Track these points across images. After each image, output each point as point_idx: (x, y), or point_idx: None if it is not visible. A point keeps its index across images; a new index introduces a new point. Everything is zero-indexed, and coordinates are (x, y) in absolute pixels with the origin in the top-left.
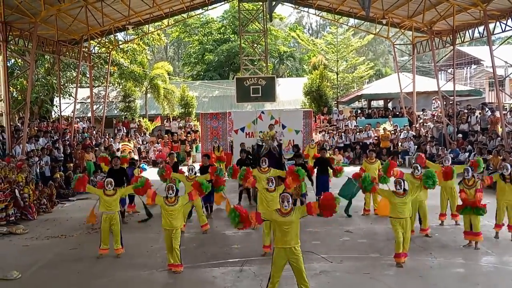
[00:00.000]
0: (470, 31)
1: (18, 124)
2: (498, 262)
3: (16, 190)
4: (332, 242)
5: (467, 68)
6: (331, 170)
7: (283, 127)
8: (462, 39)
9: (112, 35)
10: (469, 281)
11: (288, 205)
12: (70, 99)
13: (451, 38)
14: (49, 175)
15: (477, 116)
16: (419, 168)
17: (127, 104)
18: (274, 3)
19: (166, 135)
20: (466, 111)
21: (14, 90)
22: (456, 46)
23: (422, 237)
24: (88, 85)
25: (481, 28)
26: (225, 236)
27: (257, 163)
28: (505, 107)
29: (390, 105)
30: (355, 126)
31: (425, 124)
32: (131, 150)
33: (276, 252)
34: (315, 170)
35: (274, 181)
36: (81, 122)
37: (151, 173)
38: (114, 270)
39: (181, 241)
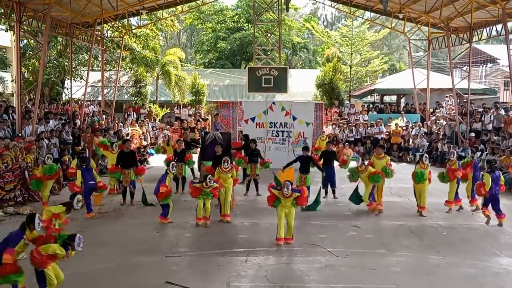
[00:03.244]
0: (487, 29)
1: (29, 105)
2: (508, 264)
3: (26, 171)
4: (338, 237)
5: (482, 67)
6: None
7: (294, 118)
8: (479, 36)
9: (126, 20)
10: (476, 282)
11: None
12: (81, 82)
13: (468, 35)
14: (57, 157)
15: (490, 116)
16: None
17: (138, 89)
18: None
19: (175, 122)
20: (480, 109)
21: (26, 71)
22: (473, 44)
23: (431, 235)
24: (99, 68)
25: (499, 26)
26: (231, 226)
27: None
28: None
29: (403, 100)
30: (365, 120)
31: (437, 121)
32: (140, 136)
33: (279, 208)
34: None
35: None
36: (91, 106)
37: (158, 159)
38: (119, 255)
39: (188, 230)
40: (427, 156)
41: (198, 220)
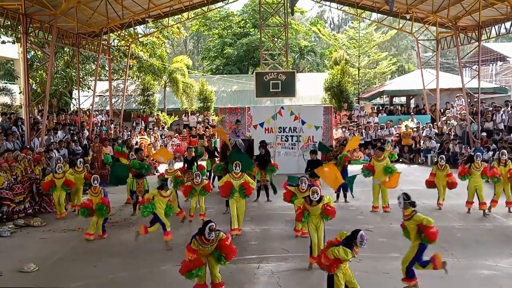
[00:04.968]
0: (496, 27)
1: (37, 116)
2: None
3: (34, 185)
4: None
5: (492, 65)
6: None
7: (303, 122)
8: (488, 35)
9: (132, 28)
10: (492, 284)
11: (317, 196)
12: (89, 92)
13: (477, 34)
14: None
15: (502, 114)
16: None
17: (145, 97)
18: None
19: (184, 130)
20: (491, 109)
21: (34, 82)
22: (482, 43)
23: (445, 238)
24: (107, 78)
25: (508, 24)
26: (242, 233)
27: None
28: None
29: (412, 102)
30: (375, 122)
31: (448, 122)
32: (148, 144)
33: (309, 224)
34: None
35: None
36: (99, 116)
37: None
38: (130, 265)
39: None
40: (443, 157)
41: (192, 218)
